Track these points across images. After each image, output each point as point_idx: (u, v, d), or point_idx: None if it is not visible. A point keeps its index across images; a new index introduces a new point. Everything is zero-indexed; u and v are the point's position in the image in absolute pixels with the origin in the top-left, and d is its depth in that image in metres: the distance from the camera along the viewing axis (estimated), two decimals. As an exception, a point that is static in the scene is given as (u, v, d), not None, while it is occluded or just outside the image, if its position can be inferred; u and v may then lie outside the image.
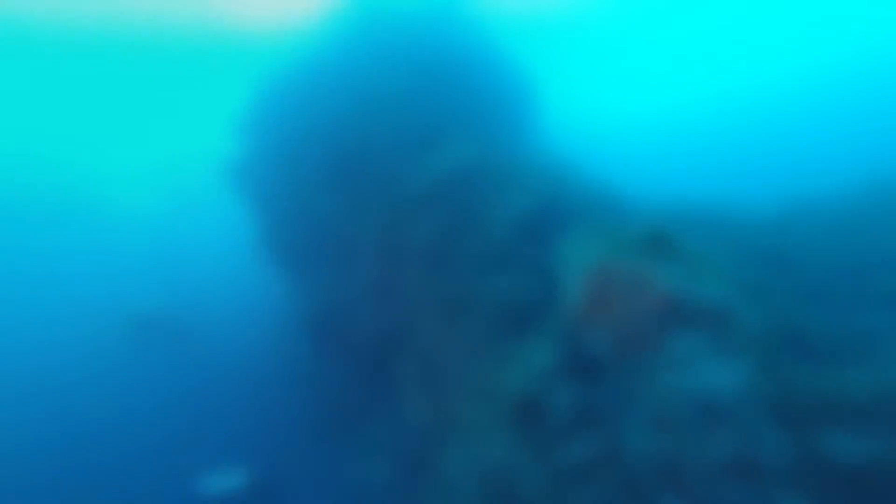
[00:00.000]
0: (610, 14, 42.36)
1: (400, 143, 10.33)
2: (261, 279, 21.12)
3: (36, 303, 34.86)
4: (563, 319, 4.43)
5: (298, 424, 15.78)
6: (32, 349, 29.31)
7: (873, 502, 2.99)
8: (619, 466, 3.44)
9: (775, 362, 3.29)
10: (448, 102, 11.58)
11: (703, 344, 3.03)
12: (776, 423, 2.89)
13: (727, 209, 10.20)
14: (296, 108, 12.97)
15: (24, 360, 28.46)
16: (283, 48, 16.88)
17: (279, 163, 12.50)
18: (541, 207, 8.40)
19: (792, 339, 5.22)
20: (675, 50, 54.70)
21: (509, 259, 7.98)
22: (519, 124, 15.44)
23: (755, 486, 2.65)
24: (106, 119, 51.83)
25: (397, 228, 9.53)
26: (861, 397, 3.55)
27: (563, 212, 9.10)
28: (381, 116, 11.14)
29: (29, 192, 48.07)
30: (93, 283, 35.27)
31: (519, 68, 16.49)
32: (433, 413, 8.22)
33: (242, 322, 23.36)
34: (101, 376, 24.07)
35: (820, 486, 2.85)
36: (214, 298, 26.07)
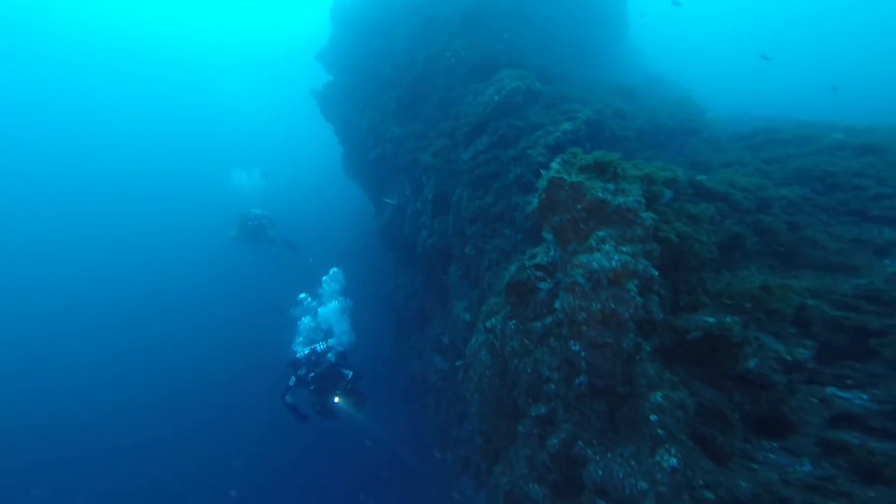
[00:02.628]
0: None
1: (460, 70, 11.35)
2: (346, 191, 23.08)
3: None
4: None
5: (373, 322, 18.16)
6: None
7: (702, 365, 4.13)
8: (557, 325, 4.77)
9: (654, 250, 4.39)
10: (507, 30, 12.25)
11: (611, 236, 4.18)
12: (648, 294, 4.03)
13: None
14: (370, 37, 14.21)
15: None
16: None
17: (356, 89, 13.99)
18: (578, 135, 9.21)
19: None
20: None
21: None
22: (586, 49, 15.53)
23: (618, 335, 3.88)
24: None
25: (455, 150, 10.79)
26: (749, 291, 4.55)
27: (601, 139, 9.82)
28: (444, 44, 12.11)
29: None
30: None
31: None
32: (472, 310, 9.77)
33: (330, 227, 26.20)
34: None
35: (664, 346, 4.02)
36: (310, 205, 29.09)
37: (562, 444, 4.88)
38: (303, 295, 12.76)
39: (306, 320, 12.42)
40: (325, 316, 12.36)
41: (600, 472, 4.31)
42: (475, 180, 9.76)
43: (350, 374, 10.75)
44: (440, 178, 10.70)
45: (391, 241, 14.01)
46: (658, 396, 3.85)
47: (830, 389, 4.44)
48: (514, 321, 5.80)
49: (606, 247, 4.07)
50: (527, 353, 5.32)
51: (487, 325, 6.33)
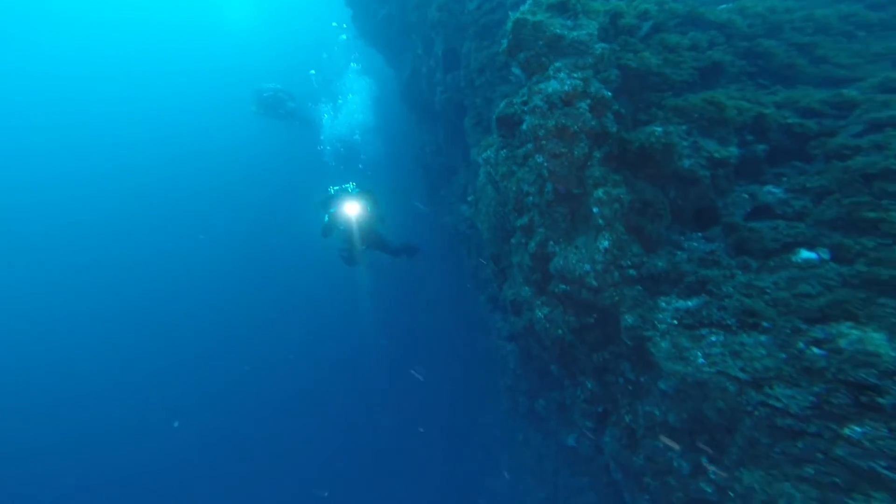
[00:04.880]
0: None
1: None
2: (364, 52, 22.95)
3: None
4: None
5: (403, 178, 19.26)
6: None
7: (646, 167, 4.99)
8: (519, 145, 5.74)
9: (610, 75, 5.11)
10: None
11: (565, 66, 4.93)
12: (604, 111, 4.87)
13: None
14: None
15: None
16: None
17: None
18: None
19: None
20: None
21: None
22: None
23: (570, 145, 4.80)
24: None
25: (460, 2, 10.98)
26: (695, 105, 5.27)
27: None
28: None
29: None
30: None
31: None
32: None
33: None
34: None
35: (615, 153, 4.90)
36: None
37: (538, 246, 6.07)
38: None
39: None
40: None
41: (561, 262, 5.51)
42: (481, 31, 10.09)
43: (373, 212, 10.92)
44: (448, 32, 11.02)
45: (412, 100, 14.62)
46: (600, 192, 4.85)
47: (767, 187, 5.30)
48: (504, 150, 6.75)
49: (561, 74, 4.84)
50: (512, 174, 6.35)
51: (483, 157, 7.30)
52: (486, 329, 14.97)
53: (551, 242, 5.81)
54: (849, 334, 3.23)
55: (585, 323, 5.69)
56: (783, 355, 3.46)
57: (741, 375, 3.52)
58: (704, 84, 6.00)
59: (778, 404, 3.23)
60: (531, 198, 6.01)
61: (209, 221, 37.21)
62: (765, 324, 3.71)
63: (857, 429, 2.92)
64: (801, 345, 3.42)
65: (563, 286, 5.61)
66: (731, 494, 3.83)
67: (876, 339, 3.08)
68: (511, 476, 15.20)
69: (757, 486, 3.37)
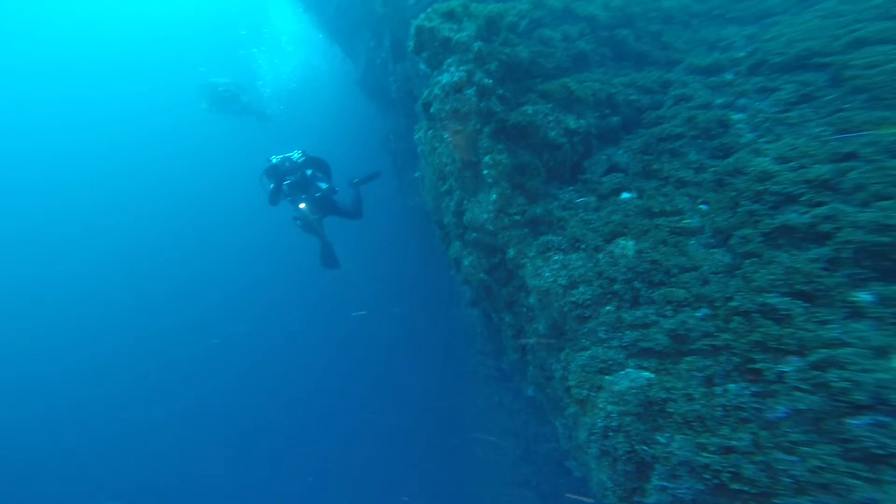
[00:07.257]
0: None
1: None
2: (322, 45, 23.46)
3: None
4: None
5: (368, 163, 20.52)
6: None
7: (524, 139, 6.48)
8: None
9: (491, 67, 6.59)
10: None
11: (454, 61, 6.39)
12: (490, 96, 6.35)
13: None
14: None
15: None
16: None
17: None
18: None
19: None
20: None
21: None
22: None
23: (463, 123, 6.29)
24: None
25: (401, 5, 12.28)
26: (557, 88, 6.76)
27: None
28: None
29: None
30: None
31: None
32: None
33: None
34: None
35: (498, 129, 6.38)
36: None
37: (456, 205, 7.58)
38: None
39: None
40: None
41: (469, 215, 7.02)
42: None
43: (325, 186, 10.43)
44: (393, 25, 12.34)
45: (370, 91, 15.94)
46: (487, 158, 6.35)
47: (620, 150, 6.83)
48: (431, 131, 8.20)
49: (451, 69, 6.31)
50: (435, 149, 7.81)
51: (416, 137, 8.74)
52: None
53: (464, 201, 7.30)
54: (619, 244, 4.78)
55: (493, 263, 7.21)
56: (590, 264, 5.01)
57: (563, 282, 5.06)
58: (577, 69, 7.50)
59: (574, 299, 4.78)
60: (448, 167, 7.49)
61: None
62: (583, 245, 5.26)
63: (608, 308, 4.50)
64: (599, 256, 4.98)
65: (474, 234, 7.12)
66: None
67: (629, 245, 4.64)
68: (494, 440, 16.73)
69: (563, 359, 4.95)
